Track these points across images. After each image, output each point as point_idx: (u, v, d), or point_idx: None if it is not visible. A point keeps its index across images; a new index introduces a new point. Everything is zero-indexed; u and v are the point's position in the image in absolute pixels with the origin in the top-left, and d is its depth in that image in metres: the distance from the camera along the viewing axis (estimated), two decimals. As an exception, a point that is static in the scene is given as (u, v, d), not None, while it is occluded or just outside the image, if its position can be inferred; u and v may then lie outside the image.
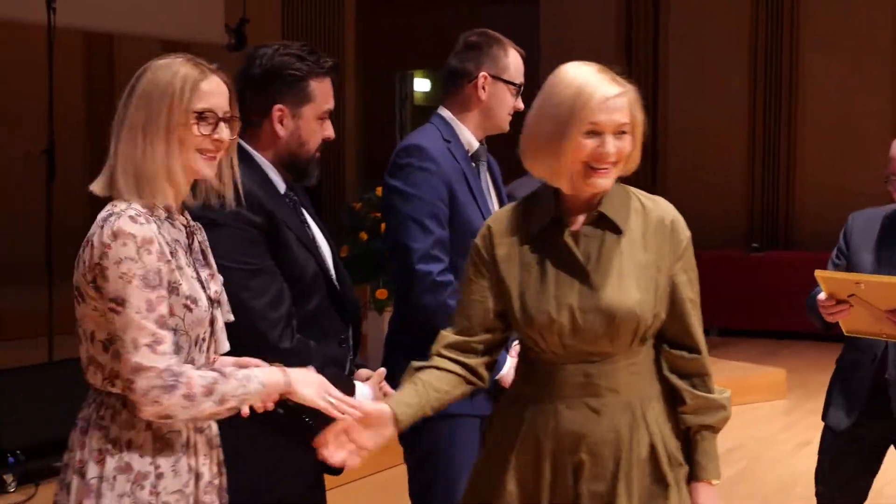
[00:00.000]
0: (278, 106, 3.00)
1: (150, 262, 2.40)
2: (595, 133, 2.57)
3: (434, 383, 2.69)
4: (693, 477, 2.69)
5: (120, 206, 2.45)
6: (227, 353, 2.70)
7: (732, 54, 12.55)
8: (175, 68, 2.52)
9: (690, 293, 2.70)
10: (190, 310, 2.49)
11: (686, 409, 2.70)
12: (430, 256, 3.37)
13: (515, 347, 3.57)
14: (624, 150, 2.62)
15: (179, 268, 2.48)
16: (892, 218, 3.94)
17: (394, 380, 2.99)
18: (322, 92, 3.04)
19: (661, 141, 12.86)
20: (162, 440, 2.50)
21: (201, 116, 2.51)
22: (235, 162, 2.64)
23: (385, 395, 3.06)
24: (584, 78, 2.60)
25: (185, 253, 2.54)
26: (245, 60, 3.04)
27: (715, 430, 2.71)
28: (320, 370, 2.85)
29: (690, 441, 2.70)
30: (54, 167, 6.82)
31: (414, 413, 2.65)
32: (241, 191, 2.62)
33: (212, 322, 2.58)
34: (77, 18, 8.74)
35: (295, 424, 2.88)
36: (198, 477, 2.58)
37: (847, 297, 3.57)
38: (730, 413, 2.73)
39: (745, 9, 12.63)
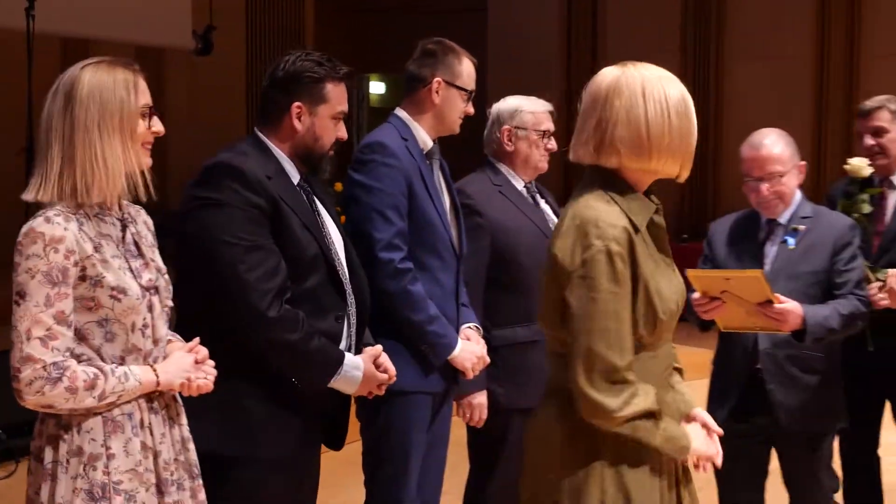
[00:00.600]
0: (297, 104, 3.09)
1: (56, 260, 2.39)
2: None
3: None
4: None
5: (44, 207, 2.45)
6: (223, 324, 2.78)
7: (663, 60, 12.62)
8: (111, 69, 2.52)
9: None
10: (118, 299, 2.47)
11: None
12: (392, 245, 3.42)
13: (465, 330, 3.62)
14: None
15: (104, 260, 2.47)
16: (742, 219, 3.94)
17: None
18: (336, 94, 3.13)
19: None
20: (112, 423, 2.49)
21: (142, 112, 2.55)
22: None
23: (385, 369, 3.15)
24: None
25: (117, 245, 2.54)
26: (272, 65, 3.15)
27: None
28: (307, 339, 2.95)
29: None
30: (33, 164, 6.77)
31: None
32: (148, 178, 2.62)
33: (150, 308, 2.57)
34: (54, 25, 8.66)
35: (288, 384, 2.98)
36: (156, 455, 2.57)
37: (720, 293, 3.50)
38: None
39: (675, 21, 12.73)
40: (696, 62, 12.60)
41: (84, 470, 2.45)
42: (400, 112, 3.63)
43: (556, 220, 4.01)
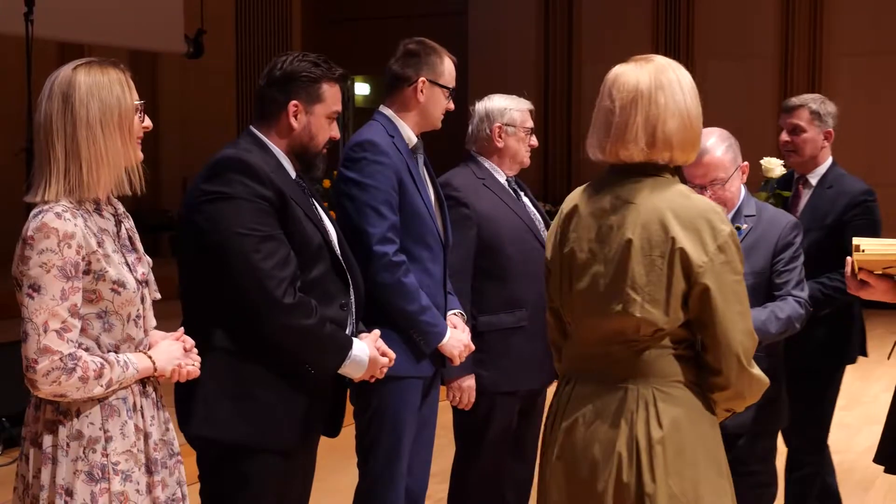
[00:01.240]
0: (294, 102, 3.06)
1: (70, 255, 2.41)
2: None
3: None
4: None
5: (49, 204, 2.46)
6: (232, 313, 2.81)
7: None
8: (102, 69, 2.53)
9: None
10: (118, 293, 2.50)
11: None
12: (386, 239, 3.43)
13: (451, 317, 3.63)
14: None
15: (107, 255, 2.49)
16: None
17: None
18: (331, 94, 3.11)
19: (574, 134, 12.98)
20: (109, 407, 2.51)
21: (136, 108, 2.56)
22: None
23: (382, 354, 3.12)
24: None
25: (114, 240, 2.56)
26: (269, 65, 3.12)
27: None
28: (321, 325, 2.94)
29: None
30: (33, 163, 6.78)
31: None
32: (140, 172, 2.62)
33: (143, 300, 2.60)
34: (52, 30, 8.64)
35: (297, 373, 2.96)
36: (146, 437, 2.59)
37: None
38: None
39: (647, 21, 12.77)
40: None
41: (84, 453, 2.47)
42: (385, 110, 3.64)
43: (535, 212, 4.06)
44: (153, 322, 2.68)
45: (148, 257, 2.70)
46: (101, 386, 2.45)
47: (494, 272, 3.86)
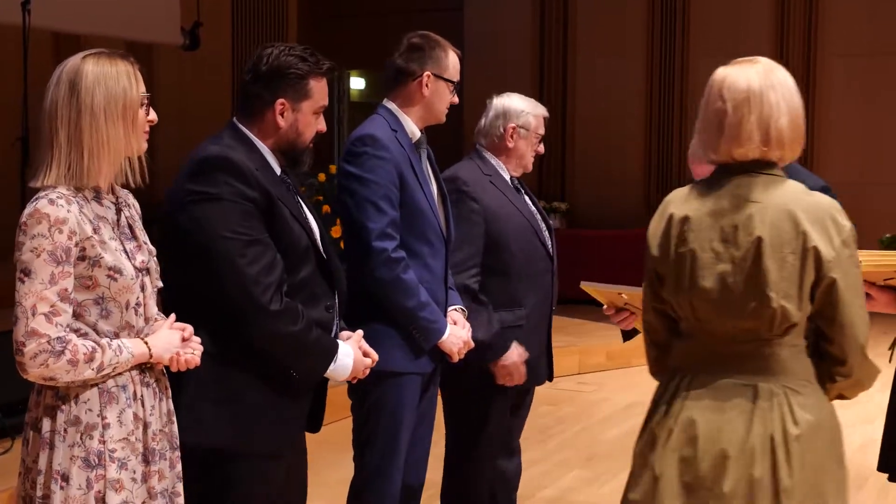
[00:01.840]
0: (281, 100, 2.99)
1: (60, 241, 2.42)
2: None
3: None
4: None
5: (46, 190, 2.47)
6: (217, 316, 2.77)
7: (631, 55, 12.67)
8: (111, 60, 2.55)
9: None
10: (114, 279, 2.50)
11: None
12: (386, 235, 3.40)
13: (451, 313, 3.61)
14: None
15: (103, 242, 2.50)
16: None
17: None
18: (319, 90, 3.05)
19: (569, 132, 12.97)
20: (107, 394, 2.52)
21: (141, 101, 2.57)
22: None
23: (364, 353, 3.09)
24: None
25: (113, 228, 2.56)
26: (254, 58, 3.02)
27: None
28: (307, 330, 2.89)
29: None
30: (29, 153, 6.76)
31: None
32: (144, 162, 2.62)
33: (143, 288, 2.60)
34: (48, 20, 8.60)
35: (281, 375, 2.92)
36: (146, 426, 2.59)
37: (623, 304, 3.40)
38: None
39: (643, 20, 12.75)
40: (663, 57, 12.63)
41: (81, 439, 2.48)
42: (388, 104, 3.61)
43: (536, 211, 4.05)
44: (154, 310, 2.67)
45: (151, 246, 2.68)
46: (93, 370, 2.44)
47: (498, 269, 3.85)
